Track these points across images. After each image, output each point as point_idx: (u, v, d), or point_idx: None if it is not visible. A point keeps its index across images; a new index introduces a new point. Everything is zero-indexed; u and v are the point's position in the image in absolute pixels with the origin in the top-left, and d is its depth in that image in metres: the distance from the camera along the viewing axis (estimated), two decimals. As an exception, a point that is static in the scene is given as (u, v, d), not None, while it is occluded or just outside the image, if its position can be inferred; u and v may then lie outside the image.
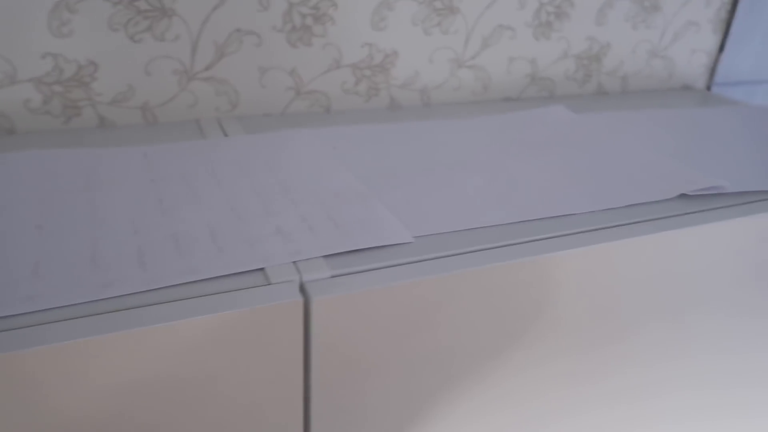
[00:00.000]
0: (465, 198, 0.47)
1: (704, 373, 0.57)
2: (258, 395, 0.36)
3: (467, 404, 0.45)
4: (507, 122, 0.66)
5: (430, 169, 0.53)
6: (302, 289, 0.36)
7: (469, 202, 0.47)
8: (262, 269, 0.37)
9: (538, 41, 0.76)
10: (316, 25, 0.64)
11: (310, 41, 0.65)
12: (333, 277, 0.37)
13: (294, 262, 0.38)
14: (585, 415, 0.52)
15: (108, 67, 0.58)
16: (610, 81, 0.84)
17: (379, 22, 0.67)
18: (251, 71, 0.64)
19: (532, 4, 0.73)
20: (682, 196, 0.51)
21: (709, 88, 0.93)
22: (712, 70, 0.92)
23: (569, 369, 0.48)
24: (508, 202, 0.47)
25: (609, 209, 0.48)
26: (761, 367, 0.61)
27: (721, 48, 0.90)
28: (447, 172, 0.52)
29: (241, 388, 0.36)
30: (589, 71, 0.82)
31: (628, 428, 0.56)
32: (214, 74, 0.62)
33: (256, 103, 0.66)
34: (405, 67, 0.71)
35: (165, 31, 0.59)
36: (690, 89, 0.90)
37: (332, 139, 0.58)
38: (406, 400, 0.42)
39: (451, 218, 0.44)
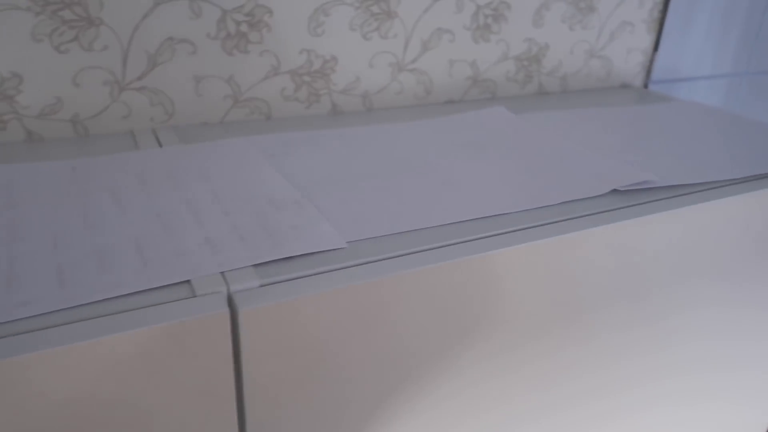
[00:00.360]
0: (402, 201, 0.47)
1: (653, 368, 0.58)
2: (189, 412, 0.35)
3: (411, 409, 0.45)
4: (448, 125, 0.67)
5: (369, 173, 0.52)
6: (230, 300, 0.35)
7: (406, 205, 0.47)
8: (188, 281, 0.36)
9: (478, 44, 0.77)
10: (252, 32, 0.64)
11: (247, 48, 0.64)
12: (262, 286, 0.36)
13: (222, 272, 0.37)
14: (539, 408, 0.52)
15: (33, 80, 0.56)
16: (550, 81, 0.86)
17: (316, 27, 0.66)
18: (186, 80, 0.63)
19: (469, 8, 0.74)
20: (614, 191, 0.52)
21: (646, 85, 0.96)
22: (649, 69, 0.94)
23: (516, 365, 0.48)
24: (444, 204, 0.47)
25: (543, 207, 0.48)
26: (703, 356, 0.62)
27: (656, 47, 0.93)
28: (386, 176, 0.52)
29: (170, 405, 0.35)
30: (530, 72, 0.83)
31: (579, 424, 0.57)
32: (147, 84, 0.61)
33: (193, 112, 0.64)
34: (345, 73, 0.70)
35: (93, 40, 0.57)
36: (628, 87, 0.92)
37: (271, 147, 0.58)
38: (346, 409, 0.42)
39: (387, 222, 0.44)
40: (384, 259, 0.40)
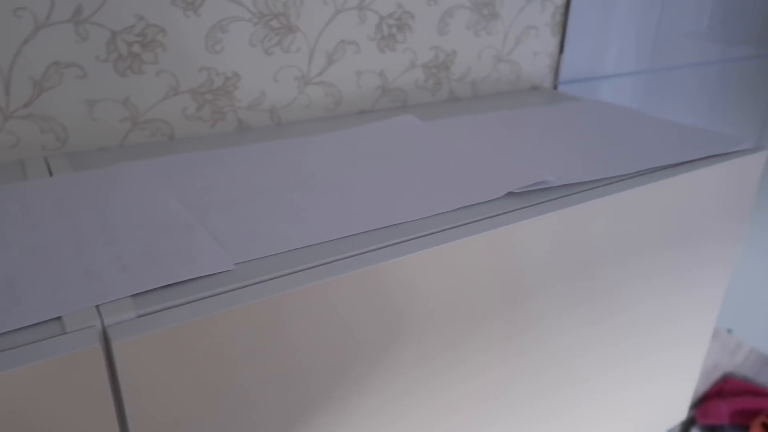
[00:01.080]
0: (299, 218, 0.47)
1: (580, 365, 0.59)
2: (68, 454, 0.34)
3: (322, 427, 0.44)
4: (355, 136, 0.67)
5: (270, 190, 0.52)
6: (105, 334, 0.34)
7: (302, 222, 0.46)
8: (59, 318, 0.34)
9: (384, 53, 0.78)
10: (146, 53, 0.62)
11: (141, 69, 0.62)
12: (140, 316, 0.35)
13: (97, 305, 0.35)
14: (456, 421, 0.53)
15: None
16: (460, 87, 0.87)
17: (214, 45, 0.65)
18: (78, 104, 0.60)
19: (372, 19, 0.75)
20: (511, 194, 0.53)
21: (555, 87, 0.99)
22: (556, 70, 0.97)
23: (431, 377, 0.48)
24: (340, 218, 0.47)
25: (440, 214, 0.49)
26: (589, 365, 0.64)
27: (561, 49, 0.96)
28: (286, 192, 0.51)
29: (47, 449, 0.33)
30: (439, 79, 0.84)
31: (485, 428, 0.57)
32: (35, 111, 0.58)
33: (89, 137, 0.62)
34: (249, 89, 0.69)
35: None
36: (538, 89, 0.95)
37: (171, 169, 0.56)
38: (247, 433, 0.41)
39: (279, 241, 0.43)
40: (271, 279, 0.39)
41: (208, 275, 0.39)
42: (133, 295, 0.37)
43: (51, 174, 0.56)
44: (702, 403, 2.08)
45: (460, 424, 0.54)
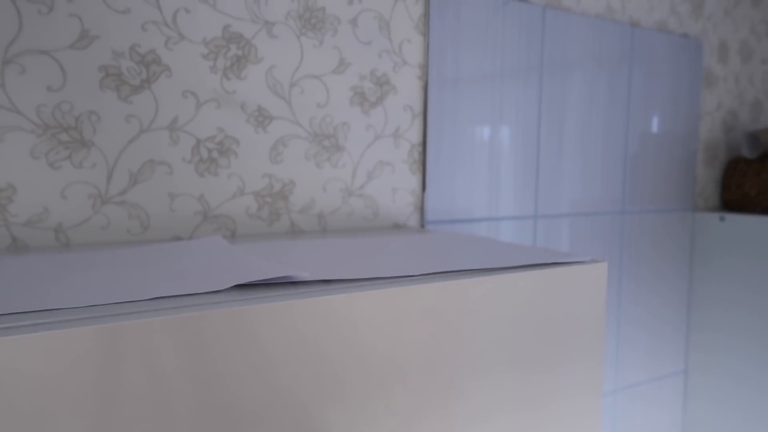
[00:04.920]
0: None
1: None
2: None
3: None
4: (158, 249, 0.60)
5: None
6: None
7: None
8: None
9: (204, 177, 0.90)
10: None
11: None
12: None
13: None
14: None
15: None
16: (305, 219, 0.81)
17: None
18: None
19: (187, 141, 0.88)
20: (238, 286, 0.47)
21: (423, 226, 0.94)
22: (421, 209, 0.93)
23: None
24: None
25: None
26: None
27: (424, 187, 0.93)
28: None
29: None
30: (276, 209, 0.95)
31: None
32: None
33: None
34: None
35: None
36: (402, 228, 0.90)
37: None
38: None
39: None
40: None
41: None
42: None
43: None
44: None
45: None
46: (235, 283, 0.47)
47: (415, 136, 0.91)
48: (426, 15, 0.90)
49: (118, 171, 0.68)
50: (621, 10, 1.16)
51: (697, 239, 1.33)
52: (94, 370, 0.35)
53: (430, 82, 0.91)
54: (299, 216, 0.81)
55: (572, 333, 0.59)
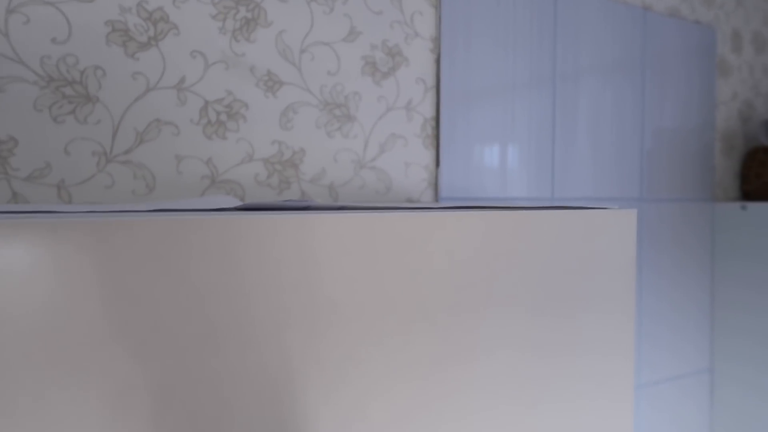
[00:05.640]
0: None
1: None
2: None
3: None
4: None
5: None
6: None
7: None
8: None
9: (211, 140, 0.88)
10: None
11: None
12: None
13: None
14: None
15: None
16: (316, 190, 0.80)
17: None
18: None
19: (195, 102, 0.86)
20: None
21: (437, 201, 0.91)
22: (435, 184, 0.91)
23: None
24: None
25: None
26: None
27: (438, 162, 0.91)
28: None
29: None
30: (286, 177, 0.93)
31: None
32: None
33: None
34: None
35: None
36: (416, 203, 0.84)
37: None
38: None
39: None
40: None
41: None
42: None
43: (141, 200, 0.61)
44: None
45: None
46: (244, 206, 0.45)
47: (427, 110, 0.89)
48: (437, -13, 0.89)
49: (124, 129, 0.66)
50: (633, -6, 1.15)
51: (718, 229, 1.29)
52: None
53: (443, 55, 0.89)
54: (310, 185, 0.78)
55: (601, 281, 0.56)
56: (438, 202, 0.89)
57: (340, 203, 0.46)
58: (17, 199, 0.61)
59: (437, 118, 0.90)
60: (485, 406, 0.48)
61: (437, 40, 0.89)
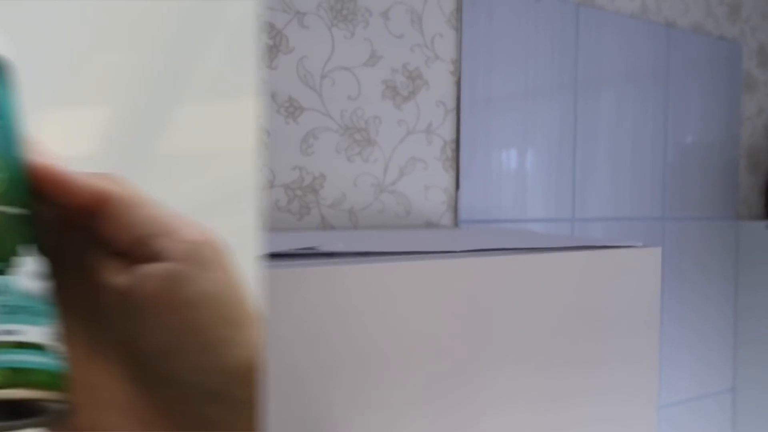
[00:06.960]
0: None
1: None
2: None
3: None
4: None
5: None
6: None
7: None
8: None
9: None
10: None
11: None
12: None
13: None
14: None
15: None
16: (335, 215, 0.79)
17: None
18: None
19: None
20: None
21: (456, 225, 0.91)
22: (455, 207, 0.90)
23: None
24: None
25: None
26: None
27: (458, 185, 0.90)
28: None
29: None
30: (306, 203, 0.92)
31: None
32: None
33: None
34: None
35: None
36: (435, 226, 0.88)
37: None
38: None
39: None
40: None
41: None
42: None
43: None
44: None
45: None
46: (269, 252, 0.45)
47: (447, 132, 0.89)
48: (458, 9, 0.89)
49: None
50: (656, 10, 1.13)
51: (742, 249, 1.27)
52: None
53: (463, 77, 0.89)
54: (330, 211, 0.79)
55: (623, 324, 0.55)
56: (457, 226, 0.89)
57: (359, 249, 0.46)
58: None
59: (457, 141, 0.89)
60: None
61: (458, 63, 0.89)
